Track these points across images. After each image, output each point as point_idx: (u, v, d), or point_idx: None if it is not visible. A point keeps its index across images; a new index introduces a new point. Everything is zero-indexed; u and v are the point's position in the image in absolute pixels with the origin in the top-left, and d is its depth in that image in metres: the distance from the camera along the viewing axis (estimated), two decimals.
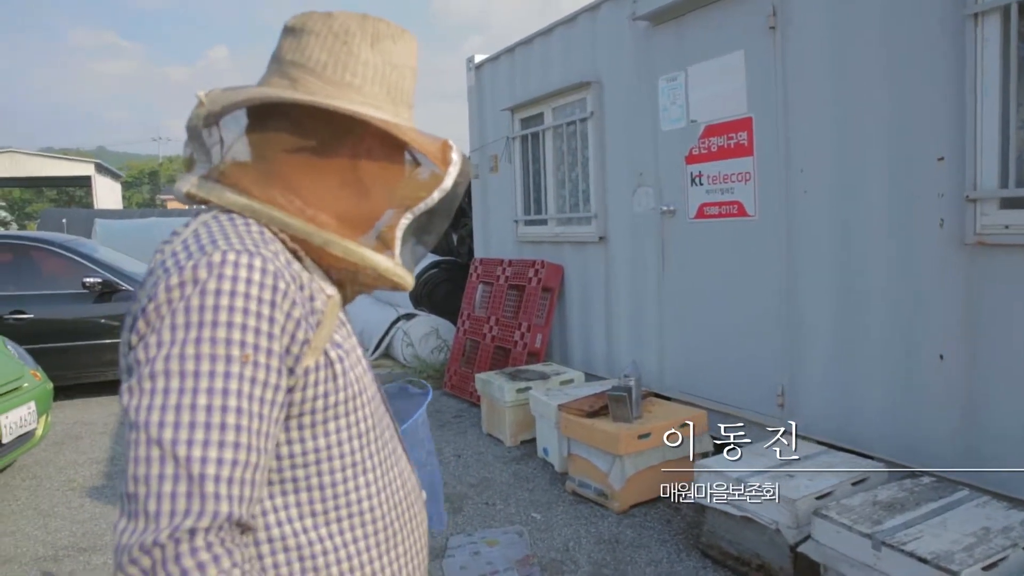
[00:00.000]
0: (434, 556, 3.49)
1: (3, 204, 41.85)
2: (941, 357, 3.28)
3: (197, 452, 0.79)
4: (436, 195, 1.05)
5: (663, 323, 5.03)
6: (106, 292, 6.95)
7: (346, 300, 1.06)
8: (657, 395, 4.70)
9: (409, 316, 8.09)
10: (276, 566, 0.92)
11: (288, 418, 0.91)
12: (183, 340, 0.82)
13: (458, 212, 8.89)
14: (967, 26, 3.06)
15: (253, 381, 0.83)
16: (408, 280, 1.06)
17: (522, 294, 6.32)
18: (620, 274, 5.48)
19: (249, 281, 0.85)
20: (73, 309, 6.94)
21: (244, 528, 0.84)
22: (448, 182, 1.04)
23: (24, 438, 4.77)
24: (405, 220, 1.05)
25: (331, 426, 0.94)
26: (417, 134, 1.03)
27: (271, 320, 0.85)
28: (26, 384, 4.90)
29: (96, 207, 30.94)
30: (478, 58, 7.42)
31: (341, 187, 1.00)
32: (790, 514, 3.00)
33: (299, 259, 0.97)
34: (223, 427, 0.81)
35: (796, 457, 3.46)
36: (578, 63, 5.77)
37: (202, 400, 0.81)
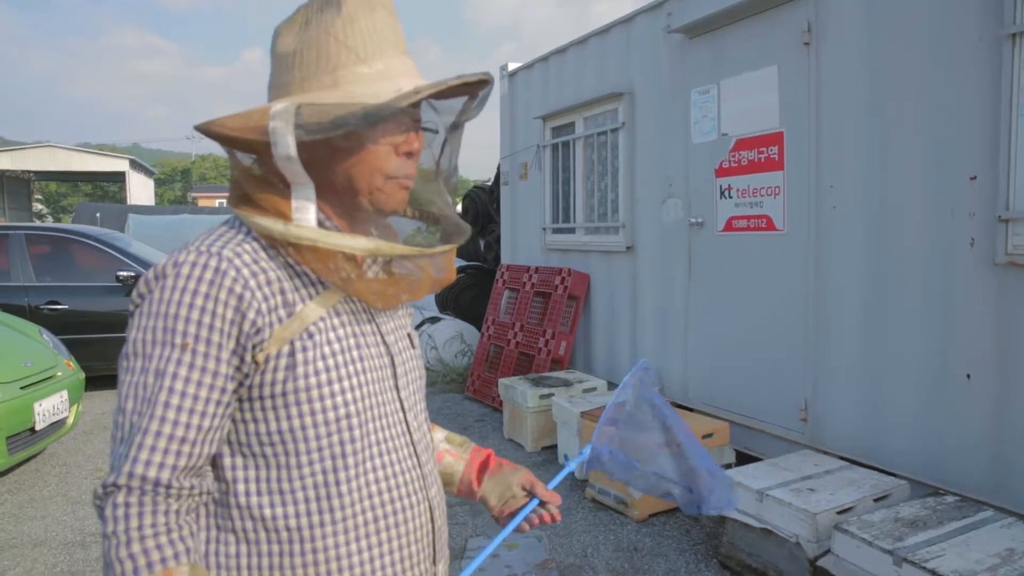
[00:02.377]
0: (453, 557, 3.52)
1: (40, 197, 42.76)
2: (968, 376, 3.26)
3: (137, 422, 0.95)
4: (282, 165, 1.00)
5: (688, 335, 5.03)
6: None
7: (367, 295, 1.06)
8: (680, 406, 4.70)
9: (434, 320, 8.15)
10: (245, 531, 1.02)
11: (251, 400, 1.01)
12: (143, 327, 0.98)
13: (486, 218, 8.98)
14: (1004, 46, 3.06)
15: (191, 366, 0.96)
16: (308, 236, 1.01)
17: (548, 301, 6.36)
18: (646, 284, 5.49)
19: (199, 279, 0.96)
20: (106, 301, 7.09)
21: (181, 491, 0.95)
22: (280, 148, 0.98)
23: (56, 426, 4.89)
24: (300, 190, 1.03)
25: (293, 411, 1.01)
26: (232, 124, 1.00)
27: (212, 313, 0.96)
28: (60, 373, 5.02)
29: (129, 202, 31.51)
30: (512, 66, 7.48)
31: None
32: (810, 528, 2.99)
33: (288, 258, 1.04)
34: (156, 403, 0.95)
35: (818, 471, 3.46)
36: (611, 74, 5.81)
37: (149, 379, 0.96)
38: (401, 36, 1.07)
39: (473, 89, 1.10)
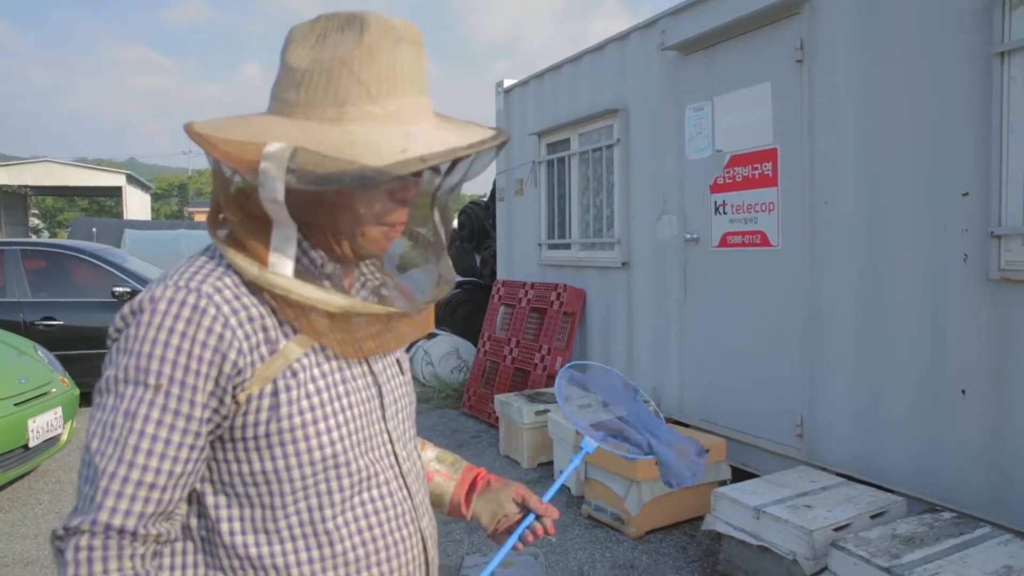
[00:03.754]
0: (449, 574, 3.50)
1: (36, 212, 42.75)
2: (963, 392, 3.27)
3: (103, 464, 0.90)
4: (266, 204, 0.94)
5: (684, 350, 5.04)
6: None
7: (346, 343, 1.02)
8: (676, 422, 4.69)
9: (430, 336, 8.14)
10: (233, 569, 0.99)
11: (233, 440, 0.97)
12: (117, 364, 0.93)
13: (482, 234, 9.00)
14: (994, 64, 3.09)
15: (164, 408, 0.91)
16: (289, 289, 0.96)
17: (543, 317, 6.36)
18: (642, 300, 5.50)
19: (176, 317, 0.92)
20: (102, 317, 7.08)
21: (146, 537, 0.92)
22: (267, 190, 0.91)
23: (50, 443, 4.87)
24: (281, 231, 0.97)
25: (277, 451, 0.97)
26: (224, 148, 0.93)
27: (189, 354, 0.91)
28: (54, 389, 5.01)
29: (126, 217, 31.51)
30: (507, 83, 7.53)
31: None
32: (807, 545, 2.98)
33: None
34: (125, 446, 0.90)
35: (815, 488, 3.45)
36: (606, 90, 5.84)
37: (119, 420, 0.91)
38: (422, 74, 0.99)
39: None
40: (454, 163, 1.07)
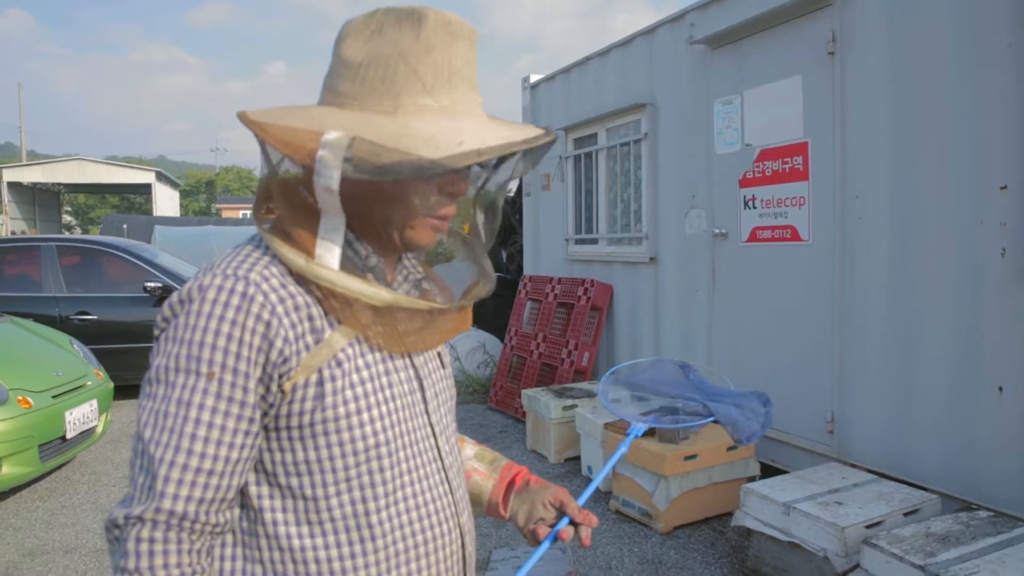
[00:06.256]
0: (477, 568, 3.52)
1: (68, 209, 43.52)
2: (1000, 389, 3.22)
3: (159, 453, 0.91)
4: (320, 193, 0.94)
5: (712, 346, 5.01)
6: (166, 296, 7.17)
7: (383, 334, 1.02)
8: None
9: None
10: (273, 562, 0.99)
11: (278, 429, 0.98)
12: (167, 353, 0.94)
13: (508, 229, 9.00)
14: None
15: (218, 396, 0.92)
16: (338, 282, 0.97)
17: (570, 312, 6.36)
18: (670, 295, 5.48)
19: (226, 304, 0.93)
20: (134, 312, 7.20)
21: (205, 526, 0.93)
22: (323, 179, 0.92)
23: (86, 435, 4.96)
24: (329, 222, 0.98)
25: (320, 441, 0.97)
26: (277, 135, 0.94)
27: (240, 341, 0.92)
28: (89, 383, 5.10)
29: (155, 214, 31.97)
30: (534, 78, 7.52)
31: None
32: (839, 541, 2.96)
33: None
34: (181, 434, 0.91)
35: (846, 484, 3.42)
36: (633, 85, 5.82)
37: (172, 408, 0.92)
38: (474, 70, 1.01)
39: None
40: (501, 160, 1.08)
